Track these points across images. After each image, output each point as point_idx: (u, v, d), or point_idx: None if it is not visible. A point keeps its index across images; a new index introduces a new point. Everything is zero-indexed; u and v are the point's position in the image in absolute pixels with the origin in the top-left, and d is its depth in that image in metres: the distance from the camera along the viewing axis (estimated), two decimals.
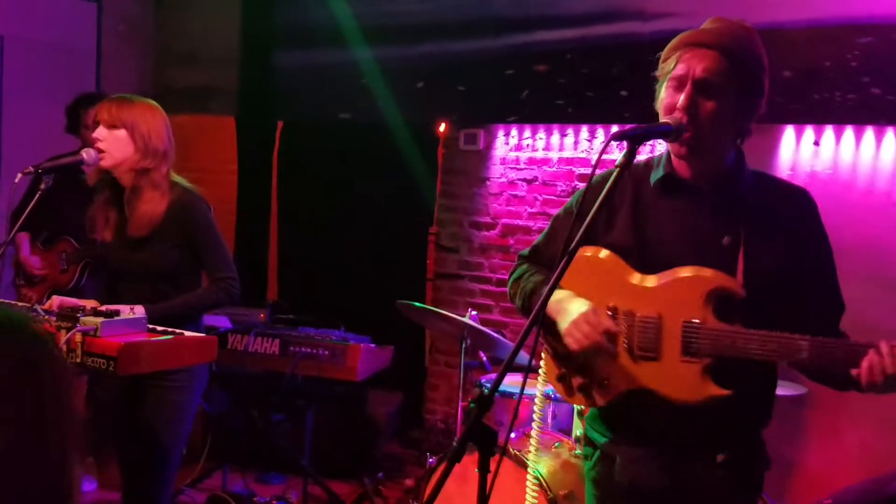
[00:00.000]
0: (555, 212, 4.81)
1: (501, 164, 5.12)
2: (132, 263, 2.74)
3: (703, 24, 1.93)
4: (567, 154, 4.91)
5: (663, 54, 1.91)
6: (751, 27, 1.93)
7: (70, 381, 0.91)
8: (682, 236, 1.91)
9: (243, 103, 5.74)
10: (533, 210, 5.01)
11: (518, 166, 5.06)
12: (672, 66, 1.86)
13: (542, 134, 4.98)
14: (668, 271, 1.88)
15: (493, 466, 1.69)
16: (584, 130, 4.85)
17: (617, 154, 1.83)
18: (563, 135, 4.92)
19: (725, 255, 1.85)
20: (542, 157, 4.99)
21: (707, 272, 1.83)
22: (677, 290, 1.85)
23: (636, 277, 1.91)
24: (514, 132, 5.07)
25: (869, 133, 3.95)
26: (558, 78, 4.73)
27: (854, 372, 1.71)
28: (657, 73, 1.92)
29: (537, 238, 2.23)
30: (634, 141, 1.78)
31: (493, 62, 4.89)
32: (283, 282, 5.72)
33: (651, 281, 1.89)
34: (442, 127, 5.23)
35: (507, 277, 4.97)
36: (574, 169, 4.87)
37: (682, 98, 1.82)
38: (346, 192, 5.43)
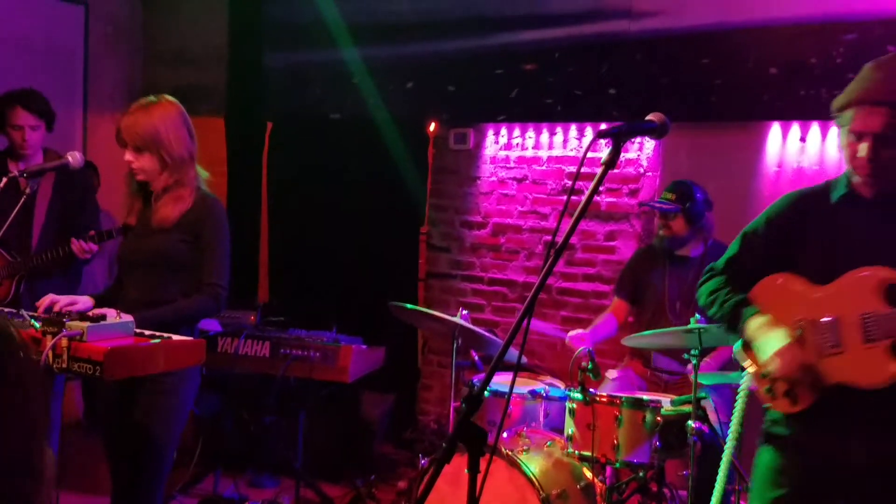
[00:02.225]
0: (545, 210, 4.89)
1: (491, 163, 5.13)
2: (141, 252, 2.80)
3: (864, 71, 2.21)
4: (556, 153, 4.92)
5: (838, 102, 2.21)
6: None
7: (35, 373, 0.93)
8: (872, 246, 2.18)
9: (232, 104, 5.72)
10: (523, 209, 5.02)
11: (508, 165, 5.07)
12: (849, 119, 2.16)
13: (531, 133, 4.99)
14: (842, 276, 2.17)
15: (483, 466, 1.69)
16: (573, 129, 4.86)
17: (604, 151, 1.84)
18: (553, 133, 4.93)
19: None
20: (531, 156, 5.00)
21: (874, 269, 2.12)
22: (852, 289, 2.16)
23: (816, 290, 2.21)
24: (503, 131, 5.08)
25: None
26: (547, 77, 4.73)
27: None
28: (835, 122, 2.23)
29: (728, 250, 2.47)
30: (619, 138, 1.83)
31: (481, 61, 4.90)
32: (273, 283, 5.71)
33: (829, 289, 2.19)
34: (432, 126, 5.23)
35: (498, 276, 5.02)
36: (564, 167, 4.88)
37: (865, 150, 2.12)
38: (336, 193, 5.41)
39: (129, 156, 2.77)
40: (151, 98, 2.84)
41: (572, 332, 3.72)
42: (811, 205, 2.30)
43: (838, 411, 2.18)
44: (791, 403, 2.23)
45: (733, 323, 2.31)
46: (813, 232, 2.26)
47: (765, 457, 2.32)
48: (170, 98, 2.86)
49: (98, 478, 4.16)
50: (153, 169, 2.77)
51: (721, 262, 2.45)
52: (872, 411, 2.14)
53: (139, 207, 2.87)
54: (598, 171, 1.82)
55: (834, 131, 4.01)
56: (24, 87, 3.78)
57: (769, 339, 2.22)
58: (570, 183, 4.83)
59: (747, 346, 2.33)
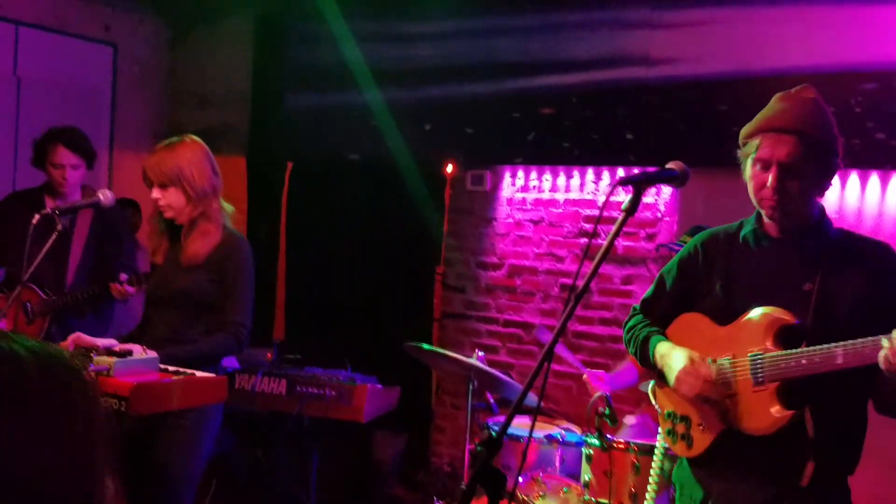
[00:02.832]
0: (561, 252, 4.90)
1: (508, 204, 5.16)
2: (168, 289, 2.85)
3: (771, 102, 2.15)
4: (573, 195, 4.95)
5: (745, 132, 2.14)
6: (817, 98, 2.14)
7: (98, 401, 0.97)
8: (768, 285, 2.12)
9: (254, 144, 5.81)
10: (539, 251, 5.04)
11: (525, 207, 5.10)
12: (755, 147, 2.08)
13: (548, 175, 5.03)
14: (740, 316, 2.11)
15: None
16: (590, 172, 4.89)
17: (623, 196, 1.89)
18: (570, 176, 4.96)
19: (805, 298, 2.03)
20: (548, 199, 5.03)
21: (767, 309, 2.05)
22: (745, 329, 2.09)
23: (718, 329, 2.16)
24: (520, 173, 5.12)
25: (874, 178, 3.98)
26: (564, 120, 4.78)
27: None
28: (740, 153, 2.15)
29: (646, 291, 2.45)
30: (640, 186, 1.87)
31: (499, 105, 4.95)
32: (290, 321, 5.73)
33: (729, 329, 2.13)
34: (449, 168, 5.28)
35: (513, 318, 5.02)
36: (580, 210, 4.91)
37: (770, 180, 2.05)
38: (354, 232, 5.46)
39: (155, 193, 2.85)
40: (175, 138, 2.92)
41: (591, 371, 3.70)
42: (719, 244, 2.24)
43: (729, 457, 2.11)
44: (686, 447, 2.19)
45: (645, 356, 2.27)
46: (718, 271, 2.20)
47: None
48: (193, 137, 2.94)
49: None
50: (179, 203, 2.83)
51: (639, 303, 2.44)
52: (761, 461, 2.07)
53: (166, 246, 2.94)
54: (619, 217, 1.86)
55: (854, 179, 4.02)
56: (66, 125, 3.78)
57: (673, 360, 2.16)
58: (586, 226, 4.85)
59: (655, 388, 2.31)
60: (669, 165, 1.95)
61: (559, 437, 3.43)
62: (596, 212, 4.71)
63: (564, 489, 3.23)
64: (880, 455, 3.85)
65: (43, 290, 3.61)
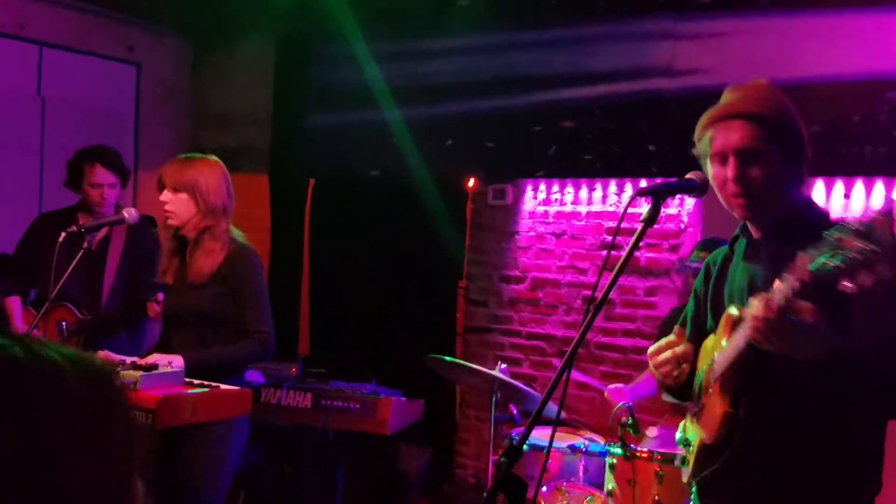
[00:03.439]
0: (584, 265, 4.90)
1: (530, 218, 5.17)
2: (180, 307, 2.87)
3: (722, 98, 2.01)
4: (596, 208, 4.95)
5: (696, 134, 1.98)
6: (770, 85, 1.99)
7: (131, 407, 1.00)
8: (741, 288, 1.98)
9: (276, 162, 5.87)
10: (562, 264, 5.04)
11: (547, 220, 5.11)
12: (708, 143, 1.93)
13: (570, 188, 5.03)
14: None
15: None
16: (613, 185, 4.89)
17: (645, 207, 1.87)
18: (592, 189, 4.97)
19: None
20: (570, 211, 5.03)
21: (730, 310, 1.90)
22: (716, 335, 1.95)
23: (708, 340, 2.03)
24: (542, 187, 5.13)
25: None
26: (586, 133, 4.78)
27: None
28: (696, 153, 2.00)
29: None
30: (659, 197, 1.85)
31: (520, 119, 4.97)
32: (314, 336, 5.77)
33: (713, 337, 2.00)
34: (471, 182, 5.31)
35: (536, 331, 5.02)
36: (603, 222, 4.90)
37: (730, 171, 1.88)
38: (376, 248, 5.49)
39: (165, 196, 2.85)
40: (198, 153, 2.97)
41: (612, 386, 3.70)
42: (717, 257, 2.13)
43: (710, 483, 1.98)
44: (685, 473, 2.09)
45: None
46: (714, 283, 2.09)
47: None
48: (216, 158, 2.98)
49: None
50: (187, 212, 2.84)
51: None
52: (734, 486, 1.91)
53: (176, 265, 2.95)
54: (638, 228, 1.85)
55: (879, 187, 4.00)
56: (99, 145, 3.80)
57: None
58: (609, 238, 4.85)
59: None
60: (689, 176, 1.91)
61: (582, 447, 3.42)
62: (613, 223, 4.70)
63: (588, 498, 3.23)
64: None
65: (79, 310, 3.65)
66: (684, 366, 1.97)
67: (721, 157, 1.90)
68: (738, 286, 1.98)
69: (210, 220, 2.85)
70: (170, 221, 2.88)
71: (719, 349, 1.89)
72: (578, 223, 5.00)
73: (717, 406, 1.86)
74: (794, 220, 1.93)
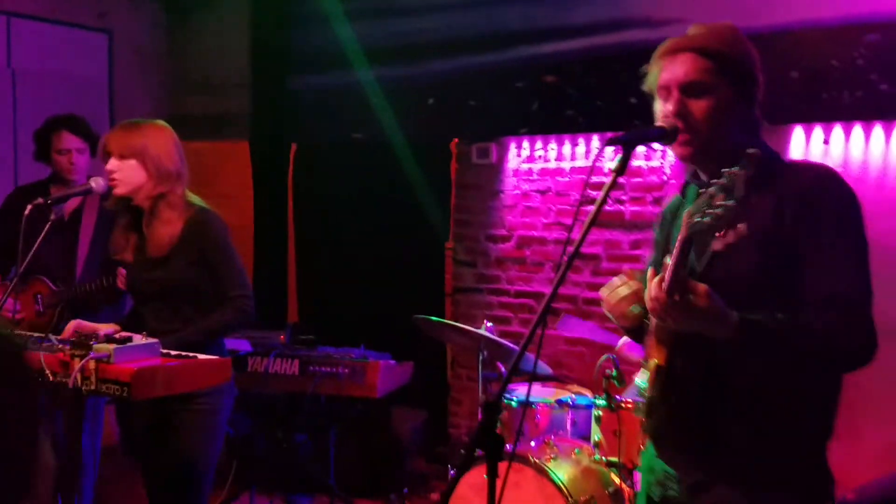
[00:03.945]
0: (569, 222, 4.88)
1: (514, 176, 5.15)
2: (151, 283, 2.75)
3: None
4: (579, 164, 4.92)
5: (648, 68, 1.90)
6: (731, 24, 1.91)
7: (26, 369, 1.00)
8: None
9: (256, 127, 5.81)
10: (548, 221, 5.03)
11: (531, 178, 5.09)
12: (655, 77, 1.86)
13: (553, 145, 5.01)
14: None
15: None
16: (596, 140, 4.86)
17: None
18: (575, 144, 4.94)
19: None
20: (554, 168, 5.01)
21: (666, 260, 1.77)
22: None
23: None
24: (525, 144, 5.10)
25: (878, 129, 3.93)
26: (567, 88, 4.75)
27: None
28: (646, 88, 1.91)
29: None
30: (627, 146, 1.80)
31: (502, 75, 4.92)
32: (303, 303, 5.76)
33: None
34: (454, 142, 5.27)
35: (524, 289, 5.03)
36: (587, 178, 4.88)
37: (670, 104, 1.82)
38: (361, 211, 5.47)
39: (111, 164, 2.70)
40: (143, 119, 2.82)
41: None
42: (672, 205, 2.05)
43: (658, 433, 1.94)
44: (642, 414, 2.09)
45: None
46: (669, 232, 1.99)
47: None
48: (163, 122, 2.84)
49: (134, 501, 4.23)
50: (137, 179, 2.69)
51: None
52: (688, 435, 1.85)
53: (134, 240, 2.81)
54: (609, 179, 1.81)
55: (858, 132, 3.98)
56: (66, 113, 3.76)
57: None
58: (594, 193, 4.83)
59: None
60: (659, 123, 1.86)
61: (570, 401, 3.45)
62: (603, 179, 4.67)
63: (576, 451, 3.26)
64: (893, 413, 3.86)
65: (54, 283, 3.63)
66: (634, 308, 1.91)
67: (666, 91, 1.83)
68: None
69: (163, 186, 2.71)
70: (117, 190, 2.71)
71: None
72: (563, 180, 4.98)
73: (653, 358, 1.82)
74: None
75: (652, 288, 1.67)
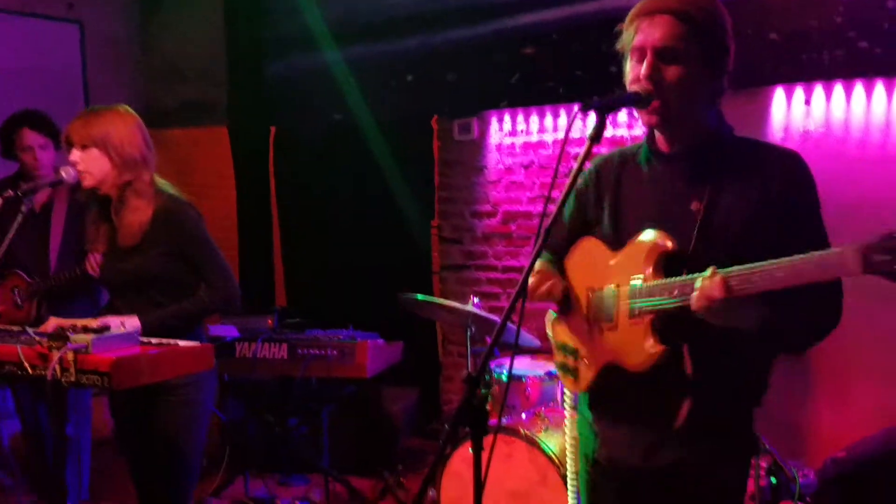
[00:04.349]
0: (555, 194, 4.85)
1: (497, 150, 5.12)
2: (124, 274, 2.71)
3: None
4: (561, 135, 4.89)
5: (622, 27, 1.88)
6: None
7: None
8: (653, 205, 1.89)
9: (234, 113, 5.76)
10: (532, 195, 5.01)
11: (514, 152, 5.06)
12: (631, 37, 1.84)
13: (535, 117, 4.97)
14: (629, 241, 1.88)
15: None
16: (577, 110, 4.82)
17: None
18: (556, 116, 4.91)
19: (691, 218, 1.81)
20: (536, 141, 4.98)
21: (648, 234, 1.83)
22: (630, 255, 1.87)
23: (610, 256, 1.93)
24: (507, 118, 5.06)
25: (859, 87, 3.91)
26: (547, 59, 4.72)
27: None
28: (619, 47, 1.90)
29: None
30: (603, 111, 1.80)
31: (480, 49, 4.88)
32: (290, 287, 5.74)
33: (619, 255, 1.91)
34: (435, 119, 5.23)
35: (512, 263, 5.01)
36: (570, 150, 4.85)
37: (644, 68, 1.80)
38: (344, 193, 5.44)
39: (74, 154, 2.65)
40: (103, 105, 2.76)
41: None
42: (612, 167, 2.01)
43: (611, 397, 1.94)
44: (574, 382, 2.03)
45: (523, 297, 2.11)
46: (608, 196, 1.98)
47: (581, 442, 2.12)
48: (126, 107, 2.78)
49: (129, 493, 4.23)
50: (100, 168, 2.65)
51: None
52: (639, 402, 1.87)
53: (105, 231, 2.76)
54: (585, 146, 1.81)
55: (839, 91, 3.96)
56: (25, 109, 3.76)
57: None
58: (576, 165, 4.80)
59: (551, 319, 2.13)
60: (633, 87, 1.84)
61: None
62: (584, 150, 4.64)
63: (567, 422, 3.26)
64: (888, 374, 3.87)
65: (29, 276, 3.63)
66: (551, 283, 2.00)
67: (640, 53, 1.81)
68: (648, 204, 1.90)
69: (129, 174, 2.66)
70: (85, 182, 2.67)
71: (648, 279, 1.80)
72: (546, 152, 4.95)
73: (644, 338, 1.78)
74: (710, 137, 1.86)
75: (713, 288, 1.62)
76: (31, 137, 3.68)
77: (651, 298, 1.78)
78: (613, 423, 1.95)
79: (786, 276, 1.54)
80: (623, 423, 1.93)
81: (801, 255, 1.52)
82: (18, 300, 3.62)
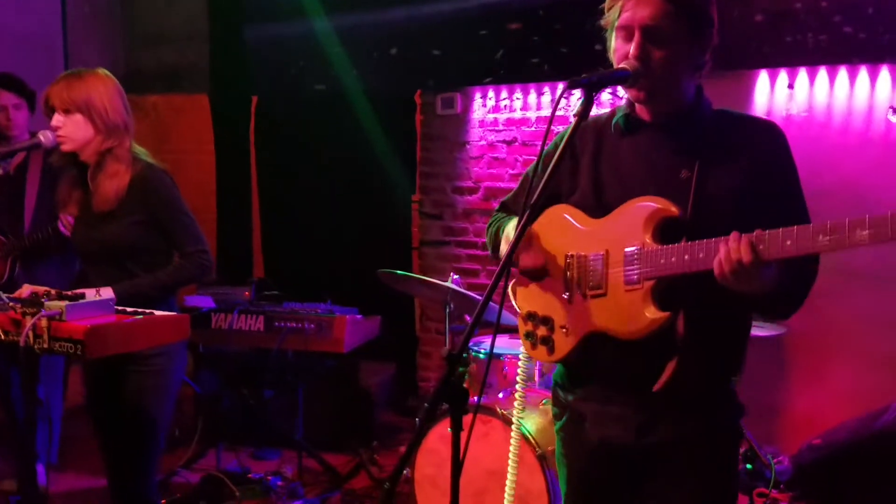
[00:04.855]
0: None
1: (480, 126, 5.09)
2: (97, 242, 2.68)
3: None
4: (545, 113, 4.88)
5: (607, 3, 1.87)
6: None
7: None
8: (640, 172, 1.88)
9: (216, 80, 5.67)
10: (514, 172, 4.99)
11: (497, 128, 5.03)
12: (617, 14, 1.83)
13: (519, 94, 4.94)
14: (619, 207, 1.86)
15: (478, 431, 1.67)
16: (561, 88, 4.79)
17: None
18: (540, 93, 4.89)
19: (682, 187, 1.81)
20: (520, 118, 4.96)
21: (645, 199, 1.81)
22: (621, 222, 1.84)
23: (591, 222, 1.91)
24: (490, 94, 5.03)
25: (842, 73, 3.92)
26: (532, 36, 4.68)
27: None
28: (603, 22, 1.90)
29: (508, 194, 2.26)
30: (591, 88, 1.79)
31: (466, 23, 4.83)
32: (268, 259, 5.70)
33: (605, 221, 1.89)
34: (418, 93, 5.18)
35: None
36: (554, 128, 4.81)
37: (632, 48, 1.80)
38: (325, 165, 5.39)
39: (56, 119, 2.61)
40: (84, 69, 2.71)
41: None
42: (587, 134, 1.99)
43: (598, 369, 1.91)
44: (548, 352, 1.96)
45: (496, 246, 2.06)
46: (586, 163, 1.95)
47: (556, 425, 2.07)
48: (105, 71, 2.74)
49: (98, 461, 4.20)
50: (84, 134, 2.62)
51: (502, 202, 2.23)
52: (632, 372, 1.84)
53: (79, 196, 2.73)
54: (573, 124, 1.80)
55: (823, 75, 3.97)
56: None
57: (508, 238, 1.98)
58: (563, 144, 4.79)
59: (515, 286, 2.07)
60: (622, 65, 1.83)
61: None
62: (566, 127, 4.62)
63: (544, 402, 3.26)
64: (864, 356, 3.92)
65: (4, 235, 3.65)
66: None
67: (627, 31, 1.81)
68: (633, 171, 1.88)
69: (112, 140, 2.63)
70: (64, 147, 2.63)
71: (647, 245, 1.77)
72: (528, 129, 4.93)
73: (644, 305, 1.77)
74: (691, 109, 1.88)
75: (741, 252, 1.62)
76: (4, 97, 3.72)
77: (653, 264, 1.76)
78: (602, 400, 1.92)
79: (826, 240, 1.54)
80: (612, 400, 1.90)
81: (837, 220, 1.52)
82: None
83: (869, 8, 3.72)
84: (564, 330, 1.93)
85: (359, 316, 4.30)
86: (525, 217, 1.73)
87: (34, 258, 3.62)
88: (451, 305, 3.59)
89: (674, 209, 1.77)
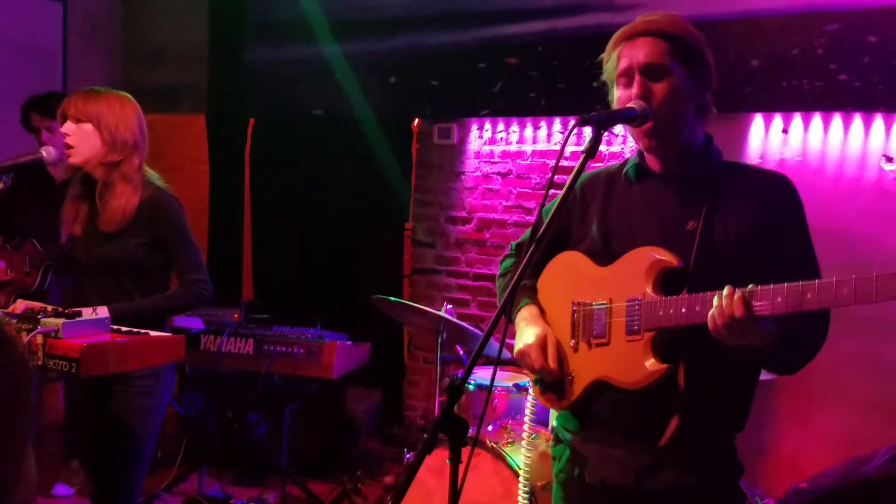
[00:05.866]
0: (530, 205, 4.87)
1: (476, 157, 5.11)
2: (96, 257, 2.68)
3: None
4: (541, 146, 4.91)
5: (604, 57, 1.93)
6: (675, 13, 1.95)
7: (24, 379, 0.92)
8: (647, 221, 1.90)
9: (214, 101, 5.67)
10: (508, 203, 5.01)
11: (492, 160, 5.06)
12: (614, 64, 1.88)
13: (515, 127, 4.98)
14: (623, 256, 1.87)
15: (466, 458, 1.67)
16: (557, 122, 4.85)
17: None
18: (537, 127, 4.92)
19: (688, 238, 1.82)
20: (515, 150, 4.99)
21: (647, 249, 1.82)
22: (625, 271, 1.86)
23: (597, 269, 1.93)
24: (487, 125, 5.06)
25: (837, 119, 3.98)
26: (530, 70, 4.72)
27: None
28: (604, 78, 1.94)
29: (523, 234, 2.27)
30: (599, 126, 1.80)
31: (465, 56, 4.88)
32: (258, 281, 5.67)
33: (611, 269, 1.90)
34: (415, 121, 5.21)
35: (483, 271, 5.00)
36: (548, 161, 4.87)
37: (634, 88, 1.83)
38: (320, 189, 5.39)
39: (66, 127, 2.64)
40: (111, 89, 2.77)
41: None
42: (598, 183, 2.01)
43: (602, 415, 1.90)
44: (557, 399, 1.98)
45: (510, 312, 2.08)
46: (595, 212, 1.97)
47: (555, 466, 2.07)
48: (128, 95, 2.78)
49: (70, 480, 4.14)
50: (91, 147, 2.64)
51: (515, 244, 2.24)
52: (635, 421, 1.84)
53: (85, 212, 2.75)
54: (579, 160, 1.81)
55: (817, 121, 4.02)
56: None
57: (525, 333, 1.98)
58: (555, 177, 4.81)
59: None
60: (630, 104, 1.86)
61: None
62: (565, 163, 4.65)
63: (533, 436, 3.24)
64: (851, 400, 3.93)
65: (42, 245, 3.76)
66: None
67: (627, 76, 1.86)
68: (640, 221, 1.90)
69: (117, 154, 2.64)
70: (71, 159, 2.64)
71: (648, 296, 1.78)
72: (524, 162, 4.96)
73: (644, 356, 1.78)
74: (699, 157, 1.90)
75: (734, 307, 1.62)
76: (36, 120, 3.92)
77: (653, 317, 1.77)
78: (604, 443, 1.92)
79: (814, 299, 1.55)
80: (614, 444, 1.90)
81: (826, 279, 1.55)
82: (27, 267, 3.77)
83: (865, 57, 3.78)
84: (570, 378, 1.93)
85: (349, 342, 4.28)
86: (522, 265, 1.70)
87: (66, 270, 3.68)
88: (444, 335, 3.58)
89: (674, 260, 1.78)
